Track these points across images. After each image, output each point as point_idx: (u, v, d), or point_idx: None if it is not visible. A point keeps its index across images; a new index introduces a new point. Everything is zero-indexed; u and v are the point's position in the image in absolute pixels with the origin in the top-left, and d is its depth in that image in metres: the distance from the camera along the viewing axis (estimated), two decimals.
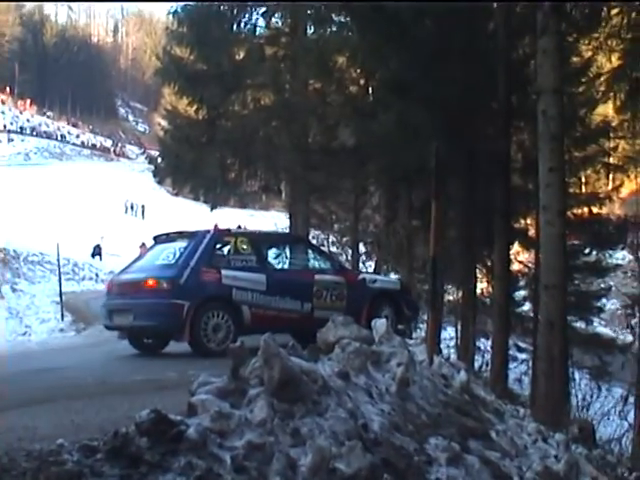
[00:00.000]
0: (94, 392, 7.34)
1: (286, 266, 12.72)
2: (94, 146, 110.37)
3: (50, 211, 52.99)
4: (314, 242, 24.28)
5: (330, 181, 21.37)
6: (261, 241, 12.36)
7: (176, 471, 3.59)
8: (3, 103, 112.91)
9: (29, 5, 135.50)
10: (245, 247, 11.84)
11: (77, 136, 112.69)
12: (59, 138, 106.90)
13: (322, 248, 21.82)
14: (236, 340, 10.54)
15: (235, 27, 23.05)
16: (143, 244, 44.14)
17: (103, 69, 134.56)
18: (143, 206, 68.08)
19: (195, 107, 23.32)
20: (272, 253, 12.62)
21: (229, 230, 12.51)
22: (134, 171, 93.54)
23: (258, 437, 4.05)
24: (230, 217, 60.53)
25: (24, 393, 7.24)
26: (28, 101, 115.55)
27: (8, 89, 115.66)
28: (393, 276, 22.66)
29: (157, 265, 11.68)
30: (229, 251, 11.86)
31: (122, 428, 3.74)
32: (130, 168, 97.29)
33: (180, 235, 12.37)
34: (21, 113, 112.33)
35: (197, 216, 62.56)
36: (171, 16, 23.47)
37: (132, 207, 68.59)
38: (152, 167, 27.55)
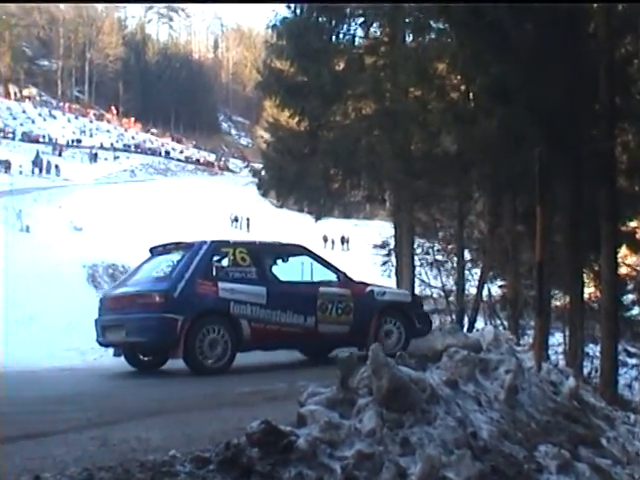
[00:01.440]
0: (204, 404, 7.45)
1: (288, 278, 11.98)
2: (198, 161, 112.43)
3: (157, 226, 54.18)
4: (419, 250, 24.49)
5: (433, 188, 21.21)
6: (261, 252, 11.81)
7: None
8: (109, 122, 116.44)
9: (131, 26, 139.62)
10: (244, 258, 11.37)
11: (181, 152, 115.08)
12: (163, 154, 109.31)
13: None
14: (234, 357, 10.79)
15: (334, 38, 23.25)
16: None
17: (205, 85, 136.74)
18: (248, 219, 68.96)
19: (297, 119, 23.53)
20: (273, 264, 12.02)
21: (227, 241, 11.97)
22: (238, 184, 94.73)
23: (368, 447, 4.09)
24: (334, 227, 61.14)
25: (136, 405, 7.44)
26: (132, 119, 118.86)
27: (113, 108, 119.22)
28: (499, 282, 22.61)
29: (151, 278, 11.26)
30: (227, 263, 11.35)
31: (233, 439, 3.87)
32: (234, 182, 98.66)
33: (177, 246, 11.91)
34: (126, 131, 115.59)
35: (302, 227, 63.37)
36: (270, 29, 23.86)
37: (237, 220, 69.53)
38: (256, 180, 28.01)
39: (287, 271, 12.14)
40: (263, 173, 26.84)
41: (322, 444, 4.00)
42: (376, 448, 4.10)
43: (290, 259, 12.36)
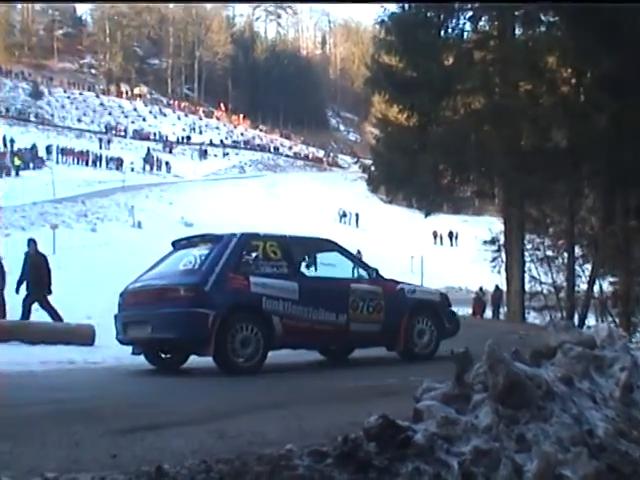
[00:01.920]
0: (318, 398, 7.48)
1: (319, 274, 11.60)
2: (307, 157, 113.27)
3: (266, 221, 54.93)
4: (529, 246, 24.36)
5: (544, 184, 21.05)
6: (292, 246, 11.26)
7: (404, 476, 3.67)
8: (218, 119, 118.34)
9: (239, 23, 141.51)
10: (275, 252, 10.86)
11: (290, 148, 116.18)
12: (272, 150, 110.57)
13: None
14: (266, 356, 10.25)
15: (443, 33, 23.18)
16: (358, 251, 45.38)
17: (313, 81, 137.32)
18: (357, 214, 69.24)
19: (406, 114, 23.52)
20: (304, 259, 11.53)
21: (258, 234, 11.39)
22: (347, 180, 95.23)
23: (484, 443, 4.07)
24: (443, 223, 60.95)
25: (249, 399, 7.56)
26: (241, 116, 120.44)
27: (222, 105, 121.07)
28: (610, 279, 22.33)
29: (178, 271, 10.63)
30: (257, 257, 10.76)
31: (351, 433, 3.87)
32: (343, 177, 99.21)
33: (203, 239, 11.45)
34: (235, 127, 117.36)
35: (410, 223, 63.38)
36: (378, 25, 23.90)
37: (345, 215, 69.88)
38: (365, 175, 28.20)
39: (317, 266, 11.78)
40: (372, 169, 26.98)
41: (439, 439, 4.01)
42: (493, 444, 4.09)
43: (320, 254, 11.88)
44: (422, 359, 11.21)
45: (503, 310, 28.70)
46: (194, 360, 10.88)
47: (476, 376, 4.75)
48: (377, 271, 11.71)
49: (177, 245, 11.75)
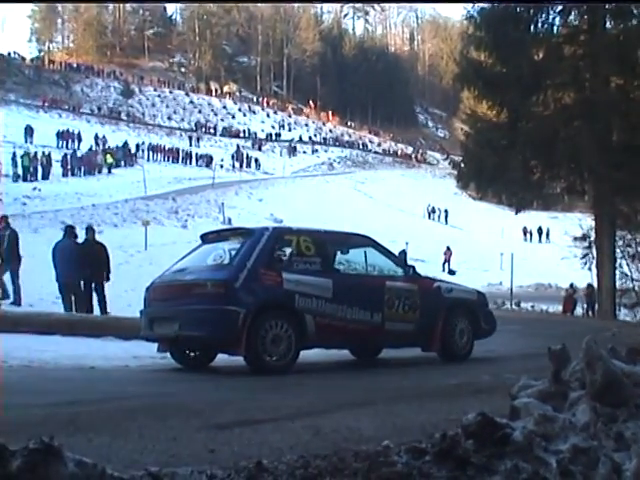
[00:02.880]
0: (411, 395, 7.38)
1: (354, 271, 11.13)
2: (395, 153, 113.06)
3: (354, 218, 55.17)
4: (620, 242, 24.20)
5: (636, 180, 20.93)
6: (326, 241, 10.81)
7: (502, 474, 3.64)
8: (307, 116, 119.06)
9: (327, 21, 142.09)
10: (309, 247, 10.39)
11: (378, 144, 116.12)
12: (361, 147, 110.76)
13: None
14: (298, 355, 9.88)
15: (532, 28, 23.18)
16: (448, 248, 45.51)
17: (401, 77, 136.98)
18: (446, 210, 69.04)
19: (495, 110, 23.70)
20: (338, 255, 11.00)
21: (290, 228, 11.25)
22: (436, 177, 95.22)
23: (582, 441, 3.99)
24: (533, 219, 60.40)
25: (343, 395, 7.52)
26: (330, 112, 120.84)
27: (311, 102, 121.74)
28: None
29: (207, 266, 10.27)
30: (291, 252, 10.34)
31: (449, 431, 3.85)
32: (432, 174, 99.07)
33: (233, 233, 11.31)
34: (324, 124, 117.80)
35: (500, 219, 62.99)
36: (467, 20, 24.07)
37: (434, 211, 69.72)
38: (454, 172, 28.27)
39: (351, 262, 11.27)
40: (462, 165, 27.06)
41: (537, 437, 3.95)
42: (591, 443, 3.97)
43: (354, 250, 11.29)
44: (459, 360, 11.11)
45: (595, 308, 28.55)
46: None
47: (573, 373, 4.71)
48: (414, 268, 11.39)
49: (206, 239, 11.38)
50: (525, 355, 11.42)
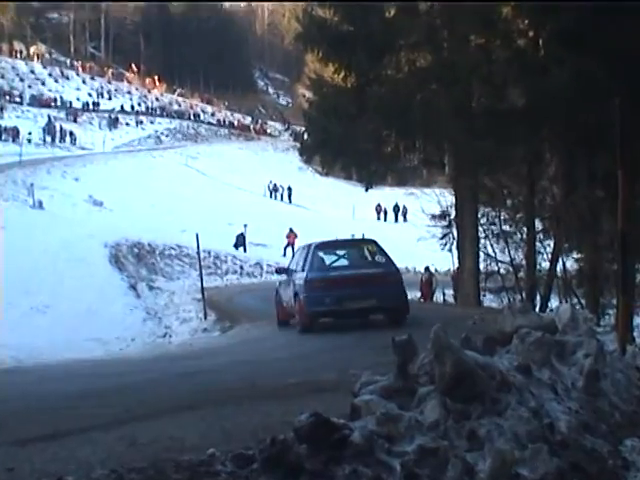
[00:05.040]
0: (244, 396, 7.50)
1: None
2: (232, 124, 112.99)
3: (186, 198, 54.57)
4: (484, 220, 24.52)
5: (499, 150, 20.99)
6: None
7: None
8: (129, 82, 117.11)
9: None
10: None
11: (212, 114, 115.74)
12: (192, 117, 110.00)
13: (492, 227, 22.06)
14: None
15: None
16: (291, 230, 45.33)
17: (237, 38, 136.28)
18: (290, 188, 69.17)
19: (342, 74, 23.33)
20: None
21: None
22: (277, 150, 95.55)
23: (430, 441, 4.07)
24: (387, 196, 61.21)
25: (168, 400, 7.66)
26: (156, 78, 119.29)
27: (134, 66, 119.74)
28: (575, 255, 22.54)
29: None
30: None
31: (279, 434, 3.85)
32: (273, 147, 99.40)
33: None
34: (149, 92, 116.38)
35: (350, 197, 63.49)
36: None
37: (276, 189, 69.72)
38: (297, 144, 28.10)
39: None
40: (305, 136, 26.86)
41: (379, 438, 4.00)
42: (440, 442, 4.07)
43: None
44: None
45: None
46: None
47: (421, 367, 4.77)
48: None
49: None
50: (376, 348, 11.38)
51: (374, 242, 18.39)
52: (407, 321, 15.83)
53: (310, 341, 14.77)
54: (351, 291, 16.18)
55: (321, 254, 17.60)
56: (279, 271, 20.06)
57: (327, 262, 17.56)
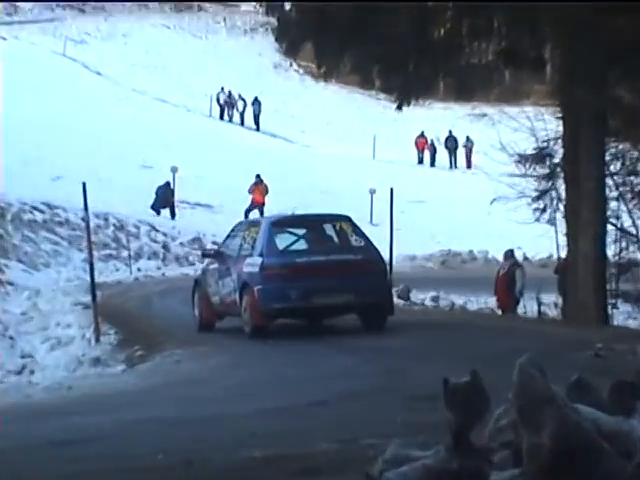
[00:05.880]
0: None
1: None
2: None
3: (64, 119, 54.65)
4: (615, 167, 24.26)
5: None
6: None
7: None
8: None
9: None
10: None
11: None
12: None
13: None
14: None
15: None
16: (259, 180, 45.46)
17: None
18: (257, 101, 68.95)
19: None
20: None
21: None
22: (235, 31, 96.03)
23: None
24: (437, 122, 61.05)
25: None
26: None
27: None
28: None
29: None
30: None
31: None
32: (227, 25, 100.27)
33: None
34: None
35: (369, 122, 63.40)
36: None
37: (231, 104, 69.49)
38: (273, 21, 28.16)
39: None
40: (288, 5, 26.84)
41: None
42: None
43: None
44: None
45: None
46: None
47: (496, 433, 5.03)
48: None
49: None
50: (404, 391, 12.22)
51: (349, 219, 21.73)
52: (464, 350, 16.01)
53: (286, 379, 15.40)
54: (322, 283, 19.69)
55: (279, 233, 20.05)
56: (206, 254, 22.90)
57: (287, 244, 20.62)
